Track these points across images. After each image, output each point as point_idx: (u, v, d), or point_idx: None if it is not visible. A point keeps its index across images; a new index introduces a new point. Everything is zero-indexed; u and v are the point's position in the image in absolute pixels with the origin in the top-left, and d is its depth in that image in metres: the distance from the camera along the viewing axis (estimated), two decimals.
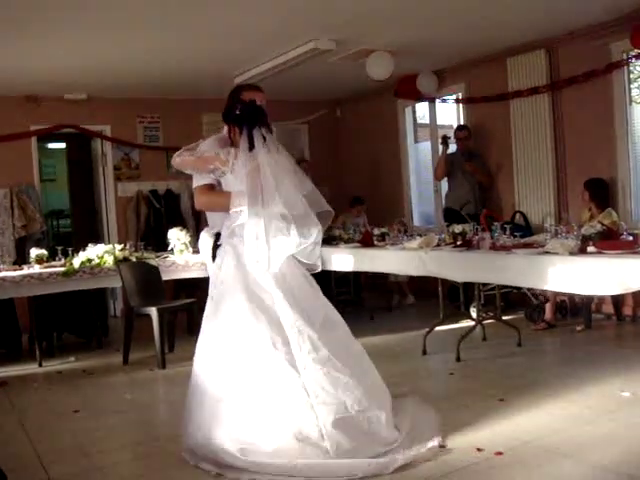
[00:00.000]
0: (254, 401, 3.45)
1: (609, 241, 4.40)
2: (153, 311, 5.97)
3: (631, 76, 6.95)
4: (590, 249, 4.42)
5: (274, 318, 3.53)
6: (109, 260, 6.47)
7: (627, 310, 6.76)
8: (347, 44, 6.84)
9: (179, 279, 7.01)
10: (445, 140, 8.13)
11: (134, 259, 6.60)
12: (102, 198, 9.21)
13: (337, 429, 3.35)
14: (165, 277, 6.61)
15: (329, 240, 6.95)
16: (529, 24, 6.64)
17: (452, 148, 8.18)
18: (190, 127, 8.82)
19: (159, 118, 9.32)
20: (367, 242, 6.44)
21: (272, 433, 3.37)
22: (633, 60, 6.71)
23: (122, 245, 6.85)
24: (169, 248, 6.97)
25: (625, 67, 6.78)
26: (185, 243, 6.96)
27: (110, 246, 6.75)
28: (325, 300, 3.79)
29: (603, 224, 4.89)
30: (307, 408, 3.39)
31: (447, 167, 8.15)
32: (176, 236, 6.97)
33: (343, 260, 6.45)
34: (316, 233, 3.59)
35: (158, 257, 6.78)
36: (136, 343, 6.28)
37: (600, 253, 4.28)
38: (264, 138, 3.62)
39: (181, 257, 6.82)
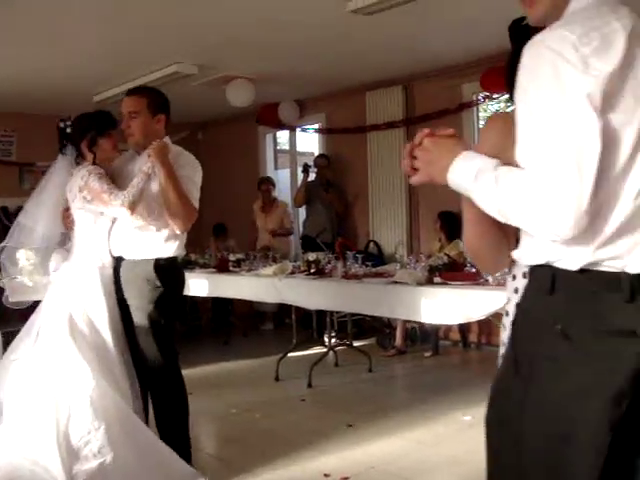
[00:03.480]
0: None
1: (453, 272, 4.62)
2: None
3: (480, 115, 7.36)
4: (436, 280, 4.62)
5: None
6: None
7: (473, 337, 7.08)
8: (209, 70, 6.84)
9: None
10: (306, 168, 8.28)
11: None
12: None
13: None
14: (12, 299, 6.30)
15: (184, 265, 6.87)
16: (388, 62, 6.89)
17: (312, 176, 8.33)
18: (48, 144, 8.49)
19: (13, 132, 8.93)
20: (223, 268, 6.44)
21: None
22: (483, 100, 7.12)
23: None
24: (18, 268, 6.67)
25: (475, 107, 7.18)
26: (35, 264, 6.68)
27: None
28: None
29: (449, 255, 5.13)
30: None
31: (306, 195, 8.29)
32: (25, 256, 6.68)
33: (199, 285, 6.40)
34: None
35: (5, 278, 6.47)
36: None
37: (445, 284, 4.49)
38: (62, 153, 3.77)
39: (30, 278, 6.55)
